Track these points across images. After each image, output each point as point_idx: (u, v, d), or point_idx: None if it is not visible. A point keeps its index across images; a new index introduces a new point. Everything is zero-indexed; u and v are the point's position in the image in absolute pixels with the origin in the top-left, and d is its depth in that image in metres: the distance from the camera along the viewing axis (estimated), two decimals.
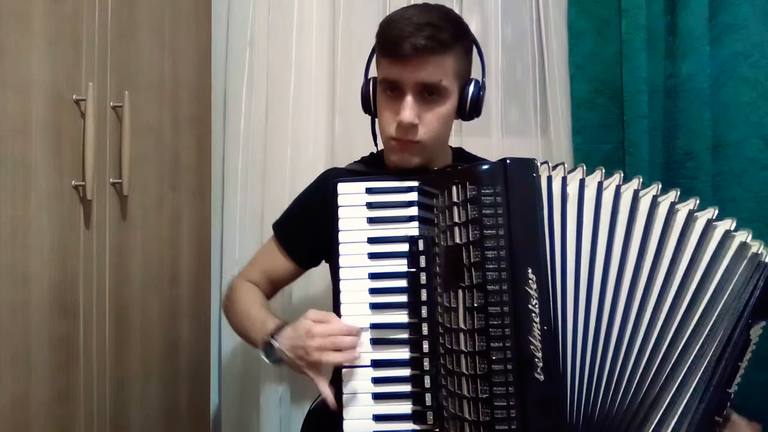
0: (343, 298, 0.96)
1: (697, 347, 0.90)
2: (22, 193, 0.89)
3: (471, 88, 1.03)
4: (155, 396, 1.27)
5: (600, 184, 0.94)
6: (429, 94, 0.99)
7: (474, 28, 1.57)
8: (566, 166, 0.95)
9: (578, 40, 1.50)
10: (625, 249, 0.92)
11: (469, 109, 1.04)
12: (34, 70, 0.91)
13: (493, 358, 0.87)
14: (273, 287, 1.20)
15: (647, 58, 1.44)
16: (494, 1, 1.55)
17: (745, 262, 0.92)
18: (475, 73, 1.08)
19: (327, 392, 0.94)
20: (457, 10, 1.57)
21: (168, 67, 1.31)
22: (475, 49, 1.07)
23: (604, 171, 0.95)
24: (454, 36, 0.98)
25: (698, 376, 0.90)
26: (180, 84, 1.36)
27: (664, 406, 0.89)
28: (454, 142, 1.40)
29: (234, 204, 1.56)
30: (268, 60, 1.55)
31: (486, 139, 1.54)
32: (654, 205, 0.93)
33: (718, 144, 1.45)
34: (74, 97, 0.99)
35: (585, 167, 0.95)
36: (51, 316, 0.95)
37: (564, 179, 0.93)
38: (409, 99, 0.98)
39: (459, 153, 1.21)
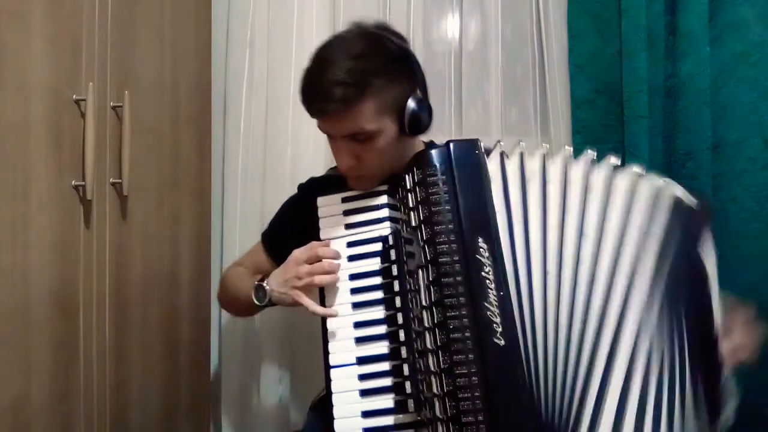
0: (327, 300, 1.00)
1: (658, 304, 0.91)
2: (22, 193, 0.89)
3: (409, 106, 0.99)
4: (155, 396, 1.27)
5: (567, 161, 0.96)
6: (358, 136, 0.99)
7: (474, 28, 1.58)
8: (523, 145, 0.98)
9: (578, 40, 1.50)
10: (602, 226, 0.93)
11: (409, 127, 1.00)
12: (34, 70, 0.91)
13: (451, 327, 0.89)
14: None
15: (647, 58, 1.44)
16: (494, 1, 1.55)
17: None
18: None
19: (321, 310, 0.99)
20: (457, 11, 1.59)
21: (168, 67, 1.31)
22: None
23: (571, 149, 0.98)
24: (365, 84, 0.95)
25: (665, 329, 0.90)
26: (180, 84, 1.36)
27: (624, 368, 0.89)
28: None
29: (234, 204, 1.56)
30: (268, 60, 1.55)
31: (486, 140, 1.53)
32: (634, 183, 0.96)
33: (718, 144, 1.46)
34: (74, 97, 0.99)
35: (547, 146, 0.98)
36: (51, 316, 0.95)
37: (521, 155, 0.97)
38: (339, 146, 1.01)
39: (431, 146, 1.20)
